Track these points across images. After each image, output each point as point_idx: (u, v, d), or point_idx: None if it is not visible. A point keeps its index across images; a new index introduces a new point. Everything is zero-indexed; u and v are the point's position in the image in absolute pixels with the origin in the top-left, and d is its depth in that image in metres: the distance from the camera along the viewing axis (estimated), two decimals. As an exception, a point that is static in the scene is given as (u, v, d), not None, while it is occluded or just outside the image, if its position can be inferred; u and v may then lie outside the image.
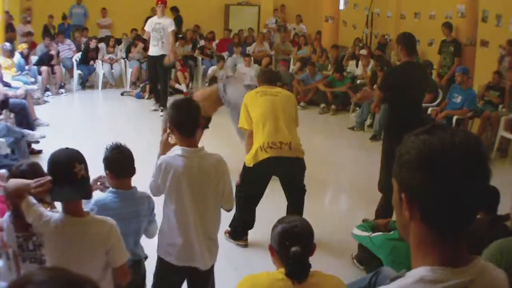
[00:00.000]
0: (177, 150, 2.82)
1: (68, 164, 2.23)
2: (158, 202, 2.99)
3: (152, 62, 9.22)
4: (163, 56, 9.02)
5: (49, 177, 2.26)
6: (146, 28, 9.17)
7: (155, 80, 9.47)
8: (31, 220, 2.29)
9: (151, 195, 2.96)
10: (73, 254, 2.26)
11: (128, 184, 2.89)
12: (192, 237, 2.78)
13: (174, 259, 2.84)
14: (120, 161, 2.82)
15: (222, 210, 2.98)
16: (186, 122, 2.79)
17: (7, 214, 2.65)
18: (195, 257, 2.81)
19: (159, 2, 8.93)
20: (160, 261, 2.92)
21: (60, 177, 2.22)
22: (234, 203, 3.00)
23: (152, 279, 3.02)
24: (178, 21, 13.15)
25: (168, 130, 2.90)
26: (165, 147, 2.95)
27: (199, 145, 2.90)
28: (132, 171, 2.89)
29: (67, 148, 2.34)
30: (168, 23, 9.02)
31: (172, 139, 2.93)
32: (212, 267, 3.00)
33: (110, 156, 2.83)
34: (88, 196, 2.39)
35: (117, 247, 2.37)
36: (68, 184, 2.22)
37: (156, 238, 2.98)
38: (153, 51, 9.07)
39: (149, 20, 9.20)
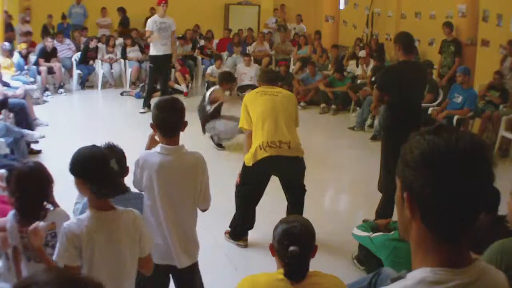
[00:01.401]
0: (157, 147, 2.82)
1: (106, 160, 2.25)
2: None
3: (161, 61, 9.09)
4: (171, 55, 9.17)
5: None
6: (149, 28, 9.03)
7: (155, 80, 9.48)
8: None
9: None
10: (115, 247, 2.23)
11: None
12: (165, 234, 2.77)
13: (155, 258, 2.81)
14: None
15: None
16: (167, 123, 2.76)
17: (11, 213, 2.63)
18: (171, 255, 2.80)
19: (163, 1, 8.92)
20: None
21: (98, 174, 2.22)
22: (210, 204, 2.95)
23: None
24: (125, 22, 13.30)
25: None
26: (151, 143, 2.96)
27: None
28: (124, 171, 2.87)
29: (93, 146, 2.35)
30: (172, 22, 9.08)
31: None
32: (194, 266, 2.95)
33: None
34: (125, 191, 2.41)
35: (146, 232, 2.37)
36: (107, 180, 2.23)
37: None
38: (162, 50, 9.00)
39: (151, 20, 9.08)
